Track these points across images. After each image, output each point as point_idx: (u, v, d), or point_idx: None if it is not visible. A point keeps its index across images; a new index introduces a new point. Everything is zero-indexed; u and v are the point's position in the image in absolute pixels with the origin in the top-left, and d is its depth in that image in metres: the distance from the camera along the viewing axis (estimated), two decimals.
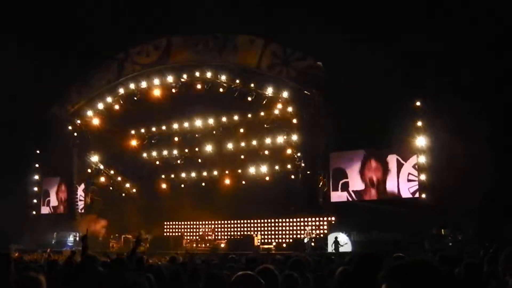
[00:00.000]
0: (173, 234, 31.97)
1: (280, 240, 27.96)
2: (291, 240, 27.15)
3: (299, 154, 27.98)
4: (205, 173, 31.33)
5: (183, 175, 32.15)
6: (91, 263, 5.74)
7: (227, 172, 30.70)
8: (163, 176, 32.80)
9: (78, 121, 32.31)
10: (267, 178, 29.20)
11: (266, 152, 29.06)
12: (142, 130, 32.61)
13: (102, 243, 28.72)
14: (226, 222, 30.49)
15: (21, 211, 31.82)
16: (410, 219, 22.32)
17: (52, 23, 28.46)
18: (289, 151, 28.39)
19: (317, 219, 27.31)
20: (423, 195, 23.47)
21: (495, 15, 20.94)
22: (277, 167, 29.13)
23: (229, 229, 30.50)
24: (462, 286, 5.45)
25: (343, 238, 22.73)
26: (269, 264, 4.91)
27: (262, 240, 27.80)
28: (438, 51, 21.58)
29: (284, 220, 28.60)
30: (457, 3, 22.43)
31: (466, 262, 5.71)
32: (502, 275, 4.35)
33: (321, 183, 26.75)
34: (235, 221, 30.22)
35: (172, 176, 32.52)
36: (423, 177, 23.67)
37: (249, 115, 29.33)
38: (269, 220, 29.04)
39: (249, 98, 27.75)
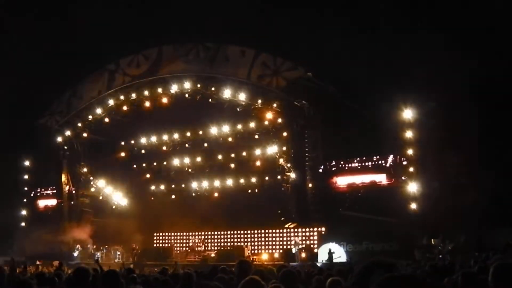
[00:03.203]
0: (163, 245, 31.75)
1: (270, 251, 27.84)
2: (281, 251, 27.07)
3: (289, 165, 27.98)
4: (195, 184, 31.20)
5: (173, 186, 32.04)
6: (83, 276, 5.68)
7: (217, 182, 30.61)
8: (153, 187, 32.66)
9: (68, 132, 32.15)
10: (257, 189, 29.14)
11: (256, 162, 29.03)
12: (132, 141, 32.45)
13: (91, 254, 28.45)
14: (216, 233, 30.32)
15: (10, 222, 31.47)
16: (400, 229, 22.34)
17: (41, 34, 28.40)
18: (279, 161, 28.37)
19: (308, 229, 27.25)
20: (413, 206, 23.49)
21: (489, 27, 21.19)
22: (267, 178, 29.06)
23: (219, 240, 30.35)
24: None
25: (335, 249, 22.67)
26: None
27: (253, 251, 27.70)
28: (427, 63, 21.77)
29: (274, 230, 28.50)
30: (450, 17, 22.66)
31: (463, 272, 5.71)
32: None
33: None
34: (225, 232, 30.06)
35: (162, 187, 32.37)
36: (413, 187, 23.70)
37: (239, 126, 29.28)
38: (259, 231, 28.94)
39: (239, 109, 27.79)
